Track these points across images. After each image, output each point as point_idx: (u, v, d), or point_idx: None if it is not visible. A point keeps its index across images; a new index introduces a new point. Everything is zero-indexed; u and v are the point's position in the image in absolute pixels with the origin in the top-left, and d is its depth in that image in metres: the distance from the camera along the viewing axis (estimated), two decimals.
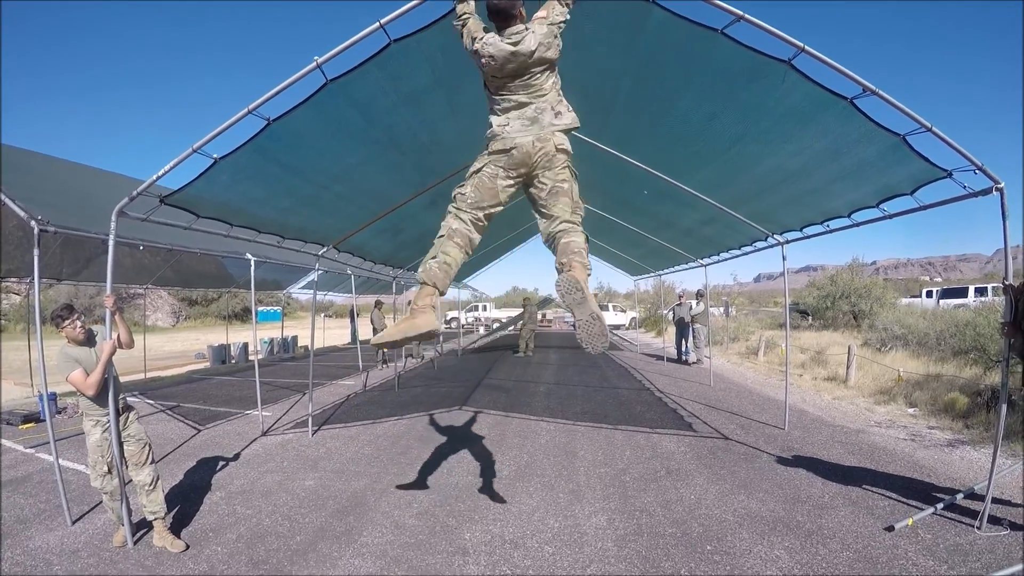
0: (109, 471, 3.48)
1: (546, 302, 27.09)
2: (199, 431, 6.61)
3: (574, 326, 2.38)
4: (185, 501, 4.29)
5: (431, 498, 4.32)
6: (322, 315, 31.19)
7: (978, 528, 3.52)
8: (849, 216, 5.03)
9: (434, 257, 2.49)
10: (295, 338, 18.09)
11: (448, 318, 29.27)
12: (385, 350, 12.93)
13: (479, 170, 2.52)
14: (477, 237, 2.57)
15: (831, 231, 5.47)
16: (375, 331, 13.04)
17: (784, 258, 6.41)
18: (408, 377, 11.24)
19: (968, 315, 11.14)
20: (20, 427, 6.85)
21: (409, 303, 2.74)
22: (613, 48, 3.83)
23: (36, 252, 4.02)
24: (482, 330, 27.52)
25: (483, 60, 2.39)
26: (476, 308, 31.72)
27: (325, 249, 6.62)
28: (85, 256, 8.35)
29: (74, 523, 3.89)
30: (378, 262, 9.61)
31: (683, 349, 12.99)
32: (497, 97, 2.49)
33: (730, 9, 2.91)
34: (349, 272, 11.28)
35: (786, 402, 6.48)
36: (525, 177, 2.51)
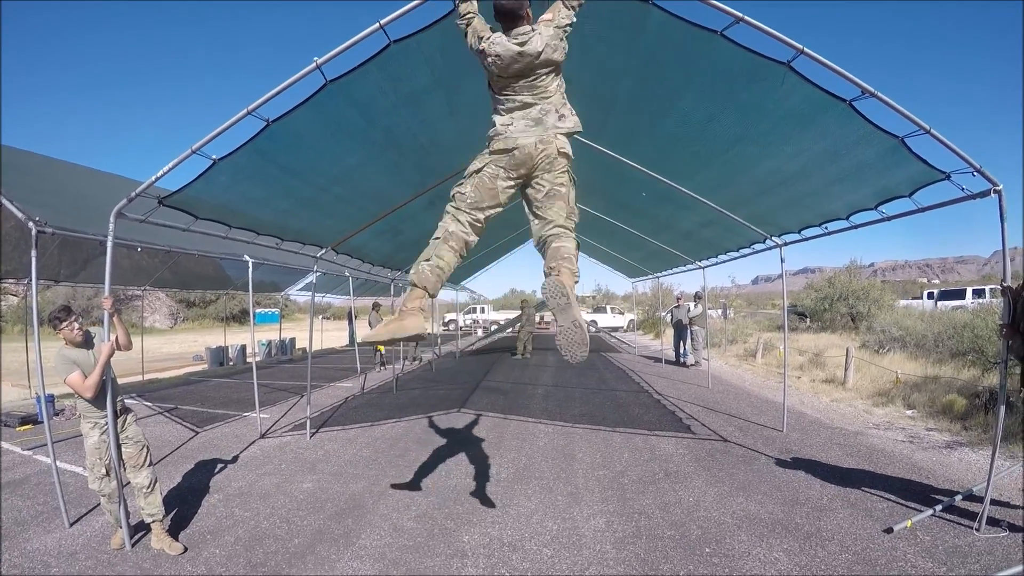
0: (107, 473, 3.47)
1: (544, 304, 27.03)
2: (197, 433, 6.59)
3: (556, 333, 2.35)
4: (183, 503, 4.27)
5: (429, 500, 4.31)
6: (320, 317, 31.16)
7: (977, 530, 3.52)
8: (847, 218, 5.03)
9: (427, 260, 2.47)
10: (293, 340, 18.05)
11: (446, 320, 29.28)
12: (383, 352, 13.02)
13: (480, 170, 2.50)
14: (474, 239, 2.55)
15: (829, 233, 5.46)
16: None
17: (782, 260, 6.42)
18: (406, 379, 11.21)
19: (966, 317, 11.17)
20: (18, 429, 6.83)
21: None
22: (613, 48, 3.84)
23: (34, 253, 4.01)
24: (480, 332, 27.49)
25: (489, 59, 2.38)
26: (474, 310, 31.75)
27: (324, 251, 6.61)
28: (83, 257, 8.34)
29: (72, 525, 3.88)
30: (376, 264, 9.60)
31: (681, 351, 12.98)
32: (501, 97, 2.49)
33: (729, 11, 2.91)
34: (347, 274, 11.26)
35: (784, 404, 6.48)
36: (524, 178, 2.50)
